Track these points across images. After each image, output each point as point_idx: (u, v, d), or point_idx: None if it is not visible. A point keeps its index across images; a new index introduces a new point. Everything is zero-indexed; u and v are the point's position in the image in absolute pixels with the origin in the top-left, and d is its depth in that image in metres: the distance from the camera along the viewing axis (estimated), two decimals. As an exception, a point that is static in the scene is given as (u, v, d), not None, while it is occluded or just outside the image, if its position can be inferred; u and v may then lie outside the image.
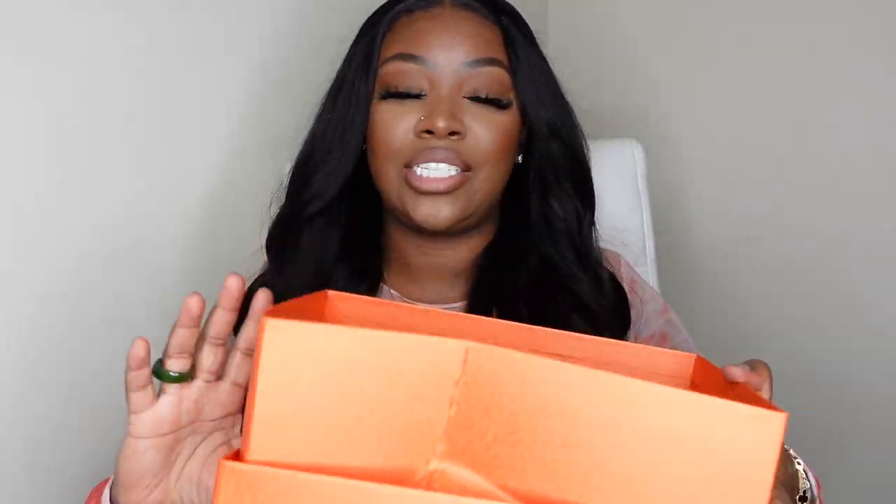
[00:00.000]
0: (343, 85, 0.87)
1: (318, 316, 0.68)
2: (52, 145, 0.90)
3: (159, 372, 0.60)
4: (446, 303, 0.88)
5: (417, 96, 0.82)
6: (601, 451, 0.49)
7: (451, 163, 0.81)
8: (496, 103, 0.83)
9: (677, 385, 0.63)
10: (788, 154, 1.32)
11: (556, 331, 0.66)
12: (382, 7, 0.88)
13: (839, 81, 1.25)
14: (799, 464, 0.65)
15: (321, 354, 0.51)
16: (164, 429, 0.61)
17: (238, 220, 1.03)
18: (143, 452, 0.60)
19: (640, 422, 0.48)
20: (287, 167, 0.94)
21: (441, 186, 0.81)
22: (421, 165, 0.81)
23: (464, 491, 0.51)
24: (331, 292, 0.69)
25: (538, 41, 0.89)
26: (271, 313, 0.52)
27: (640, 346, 0.67)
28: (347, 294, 0.69)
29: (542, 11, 1.58)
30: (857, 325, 1.28)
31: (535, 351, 0.64)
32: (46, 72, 0.88)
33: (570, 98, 0.91)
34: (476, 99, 0.82)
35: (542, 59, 0.88)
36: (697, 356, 0.66)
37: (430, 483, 0.53)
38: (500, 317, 0.86)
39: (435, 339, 0.51)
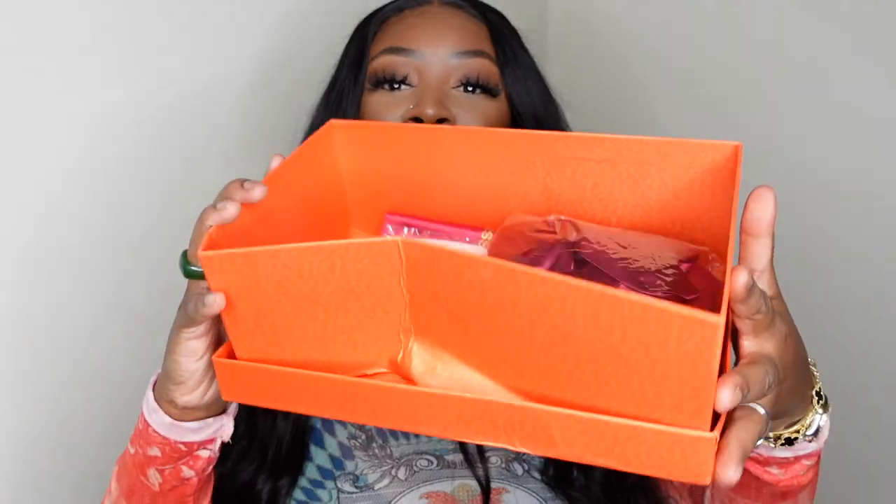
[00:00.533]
0: (335, 84, 0.88)
1: (331, 162, 0.70)
2: (50, 146, 0.91)
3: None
4: None
5: (407, 86, 0.83)
6: (542, 342, 0.49)
7: None
8: (485, 90, 0.83)
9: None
10: (788, 154, 1.31)
11: (588, 134, 0.64)
12: (374, 11, 0.90)
13: (840, 81, 1.25)
14: (813, 365, 0.64)
15: (264, 273, 0.53)
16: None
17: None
18: (202, 356, 0.63)
19: (571, 317, 0.47)
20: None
21: None
22: None
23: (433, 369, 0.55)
24: (335, 122, 0.71)
25: (524, 41, 0.90)
26: (209, 243, 0.55)
27: (678, 139, 0.61)
28: (353, 123, 0.71)
29: (541, 11, 1.59)
30: (857, 324, 1.27)
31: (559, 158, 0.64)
32: (45, 75, 0.89)
33: (566, 97, 0.91)
34: (465, 89, 0.83)
35: (530, 58, 0.89)
36: (738, 145, 0.60)
37: (407, 362, 0.55)
38: None
39: (368, 240, 0.52)
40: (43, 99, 0.89)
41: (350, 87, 0.86)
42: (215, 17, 1.04)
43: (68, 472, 0.97)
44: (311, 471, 0.82)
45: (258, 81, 1.10)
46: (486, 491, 0.78)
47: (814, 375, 0.63)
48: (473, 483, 0.79)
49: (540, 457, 0.81)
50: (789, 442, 0.61)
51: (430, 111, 0.80)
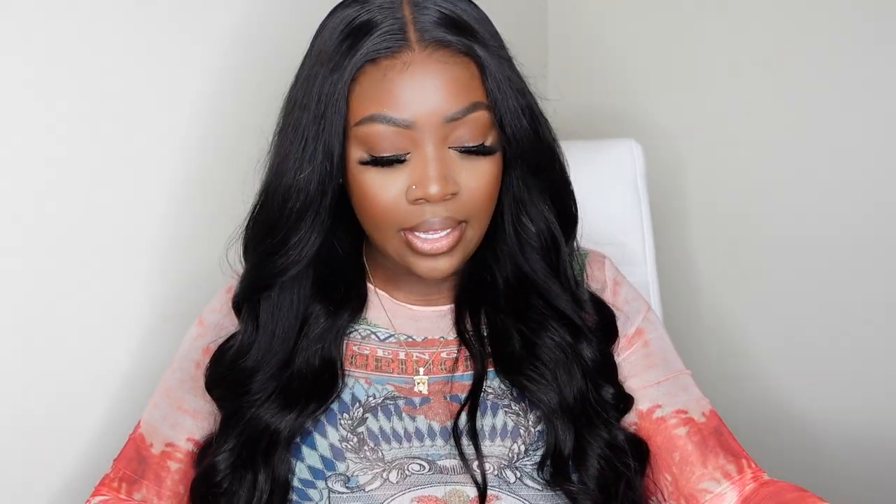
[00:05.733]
0: (305, 140, 0.79)
1: None
2: (22, 150, 0.90)
3: None
4: (434, 305, 0.89)
5: (402, 161, 0.77)
6: None
7: (450, 225, 0.79)
8: (483, 151, 0.79)
9: None
10: (787, 153, 1.32)
11: None
12: (339, 44, 0.78)
13: (837, 81, 1.25)
14: None
15: None
16: None
17: (208, 219, 1.01)
18: None
19: None
20: (253, 167, 0.87)
21: (443, 247, 0.79)
22: (421, 233, 0.79)
23: None
24: None
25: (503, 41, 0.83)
26: None
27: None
28: None
29: (542, 11, 1.58)
30: (857, 322, 1.28)
31: None
32: (40, 76, 0.89)
33: (559, 97, 0.89)
34: (463, 150, 0.78)
35: (515, 73, 0.82)
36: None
37: None
38: (487, 318, 0.87)
39: None
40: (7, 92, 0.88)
41: (332, 155, 0.78)
42: (184, 7, 1.03)
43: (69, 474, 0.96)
44: (301, 471, 0.82)
45: (224, 74, 1.09)
46: (483, 496, 0.78)
47: None
48: (465, 489, 0.79)
49: (532, 464, 0.81)
50: None
51: (434, 191, 0.76)
